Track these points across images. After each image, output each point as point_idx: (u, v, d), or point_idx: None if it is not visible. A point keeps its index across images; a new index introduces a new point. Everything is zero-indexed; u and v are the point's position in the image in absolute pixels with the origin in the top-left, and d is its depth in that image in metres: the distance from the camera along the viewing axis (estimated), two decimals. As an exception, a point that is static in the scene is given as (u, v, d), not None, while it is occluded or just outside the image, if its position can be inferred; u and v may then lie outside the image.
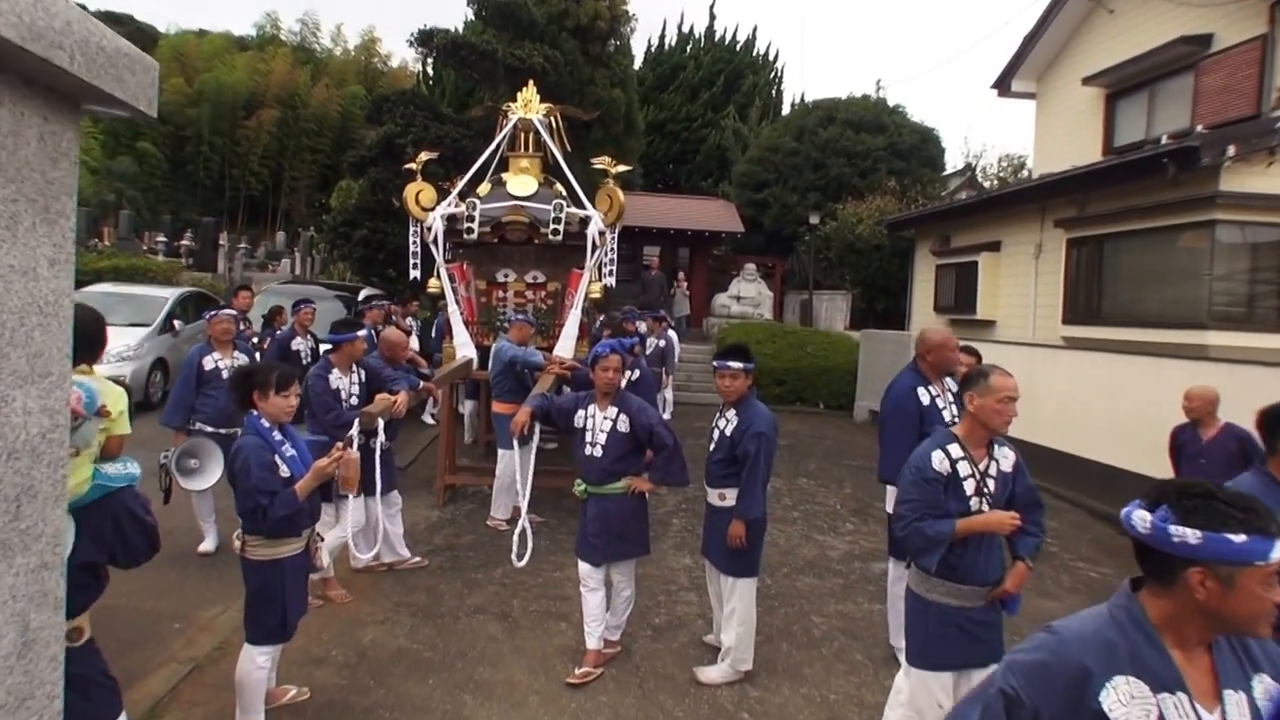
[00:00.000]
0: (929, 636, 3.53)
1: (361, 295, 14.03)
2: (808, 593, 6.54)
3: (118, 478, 2.81)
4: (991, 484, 3.48)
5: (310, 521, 3.98)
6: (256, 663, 3.93)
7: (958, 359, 5.21)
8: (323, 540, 4.15)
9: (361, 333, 5.95)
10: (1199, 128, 10.79)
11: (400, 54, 55.80)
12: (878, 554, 7.56)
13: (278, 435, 3.93)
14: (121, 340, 11.81)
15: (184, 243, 27.40)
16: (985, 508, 3.44)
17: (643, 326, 11.31)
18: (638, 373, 7.79)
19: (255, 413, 3.91)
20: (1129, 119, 14.15)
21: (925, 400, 4.91)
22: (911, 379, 5.04)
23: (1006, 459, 3.55)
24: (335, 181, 28.99)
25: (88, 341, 2.95)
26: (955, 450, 3.48)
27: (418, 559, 6.56)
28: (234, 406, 4.09)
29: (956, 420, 4.33)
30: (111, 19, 62.53)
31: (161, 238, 28.07)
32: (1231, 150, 9.30)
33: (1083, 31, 15.16)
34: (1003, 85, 16.89)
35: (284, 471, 3.84)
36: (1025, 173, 21.84)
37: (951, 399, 4.97)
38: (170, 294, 13.94)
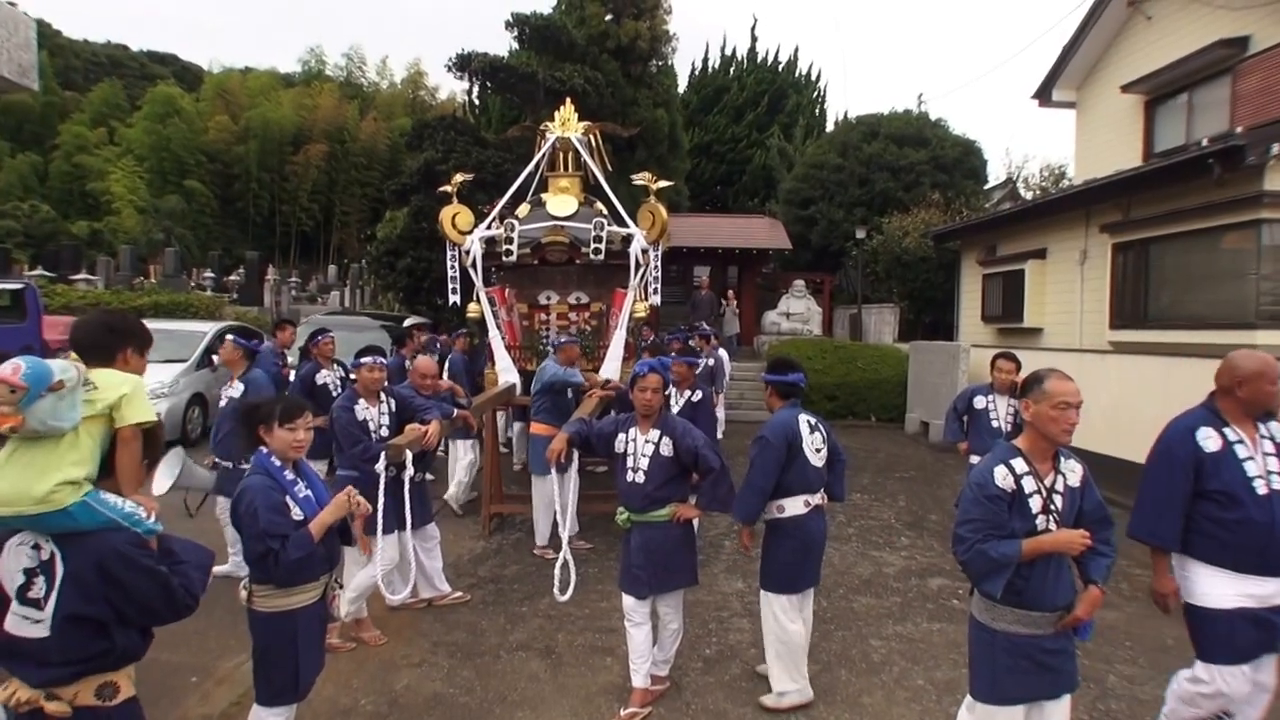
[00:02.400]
0: (997, 669, 3.25)
1: (406, 324, 14.00)
2: (864, 614, 6.23)
3: (112, 511, 2.49)
4: (1059, 500, 3.19)
5: (327, 567, 3.63)
6: None
7: (1276, 394, 3.74)
8: (341, 587, 3.84)
9: (368, 360, 5.58)
10: (1238, 130, 10.63)
11: (448, 86, 56.56)
12: (934, 569, 7.36)
13: (289, 474, 3.58)
14: (156, 376, 11.65)
15: (232, 278, 27.78)
16: (1053, 526, 3.16)
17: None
18: (699, 393, 7.40)
19: (264, 450, 3.58)
20: (1169, 124, 14.22)
21: (1212, 445, 3.68)
22: (1199, 417, 3.81)
23: (1074, 473, 3.26)
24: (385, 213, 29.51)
25: (91, 347, 2.86)
26: (1019, 465, 3.19)
27: (458, 594, 6.31)
28: (238, 441, 3.88)
29: (1271, 478, 3.65)
30: (156, 58, 64.79)
31: (209, 274, 28.48)
32: (1276, 149, 9.19)
33: (1121, 39, 15.21)
34: (1043, 95, 17.05)
35: (297, 514, 3.50)
36: (1066, 182, 21.57)
37: (1272, 448, 3.72)
38: (208, 329, 13.81)
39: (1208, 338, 9.92)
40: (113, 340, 2.84)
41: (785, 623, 4.64)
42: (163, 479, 3.58)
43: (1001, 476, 3.17)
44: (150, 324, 10.72)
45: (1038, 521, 3.15)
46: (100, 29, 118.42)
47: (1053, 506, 3.17)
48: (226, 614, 5.53)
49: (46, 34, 58.35)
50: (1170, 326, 10.75)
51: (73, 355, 2.77)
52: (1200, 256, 10.52)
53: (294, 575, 3.44)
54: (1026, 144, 66.41)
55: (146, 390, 2.79)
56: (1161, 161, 11.39)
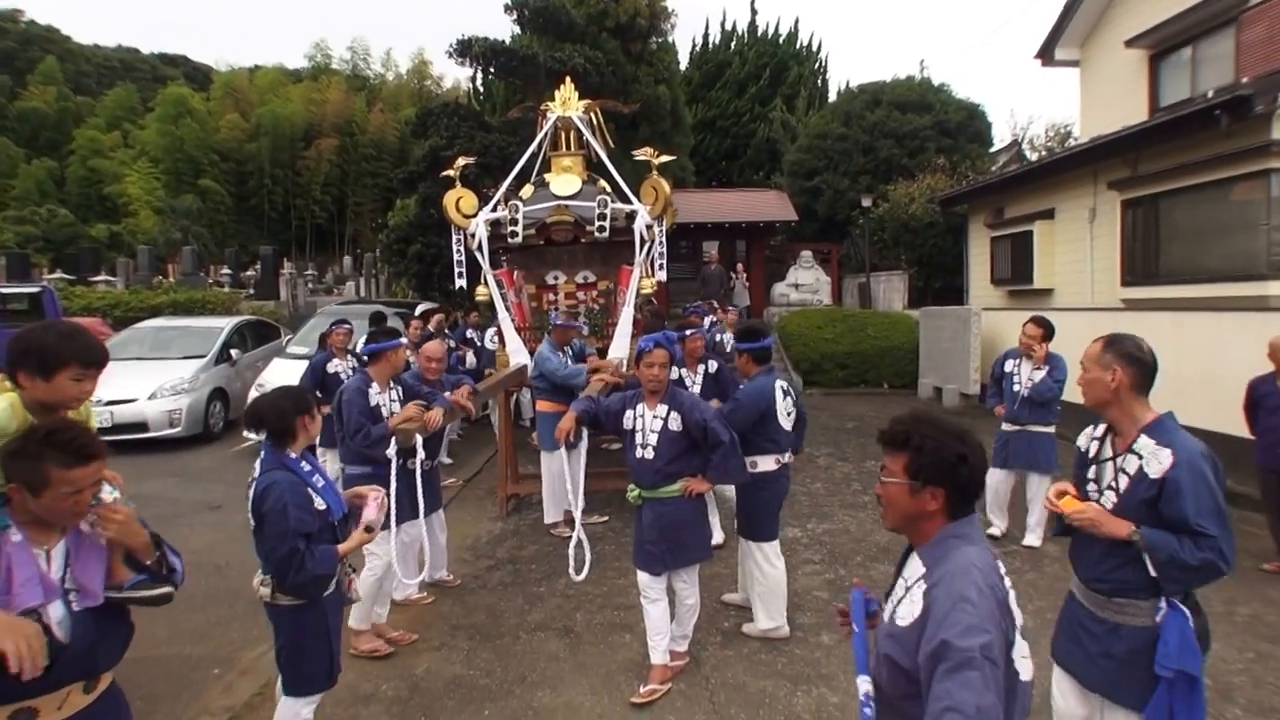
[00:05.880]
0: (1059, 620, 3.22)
1: (419, 310, 14.02)
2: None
3: None
4: (1124, 481, 2.87)
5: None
6: (302, 716, 3.58)
7: None
8: (355, 572, 3.76)
9: (403, 341, 5.50)
10: (1244, 80, 10.62)
11: (452, 75, 56.98)
12: (952, 533, 7.32)
13: (305, 465, 3.47)
14: (175, 373, 11.87)
15: (248, 274, 27.99)
16: (1105, 502, 2.91)
17: (707, 321, 10.90)
18: (714, 364, 7.12)
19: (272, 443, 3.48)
20: (1173, 78, 14.08)
21: None
22: None
23: (1153, 460, 2.81)
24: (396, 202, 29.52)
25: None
26: (1100, 429, 3.07)
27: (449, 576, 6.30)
28: None
29: None
30: (167, 60, 65.43)
31: (226, 270, 28.90)
32: None
33: None
34: (1046, 54, 16.91)
35: (319, 504, 3.39)
36: (1072, 141, 21.45)
37: None
38: (226, 324, 13.83)
39: (1220, 291, 9.93)
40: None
41: (770, 568, 5.16)
42: None
43: (1085, 436, 3.13)
44: (167, 322, 10.83)
45: (1088, 488, 3.00)
46: (110, 34, 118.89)
47: (1111, 484, 2.92)
48: (249, 606, 5.46)
49: (56, 40, 60.20)
50: (1182, 281, 10.70)
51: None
52: (1210, 209, 10.44)
53: (306, 590, 3.37)
54: (1031, 105, 66.64)
55: None
56: (1168, 115, 11.25)
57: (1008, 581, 2.01)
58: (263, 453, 3.48)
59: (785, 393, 5.28)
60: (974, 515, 2.11)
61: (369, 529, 3.56)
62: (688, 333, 6.97)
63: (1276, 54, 11.44)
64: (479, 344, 11.58)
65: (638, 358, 4.62)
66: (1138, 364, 2.87)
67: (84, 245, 33.39)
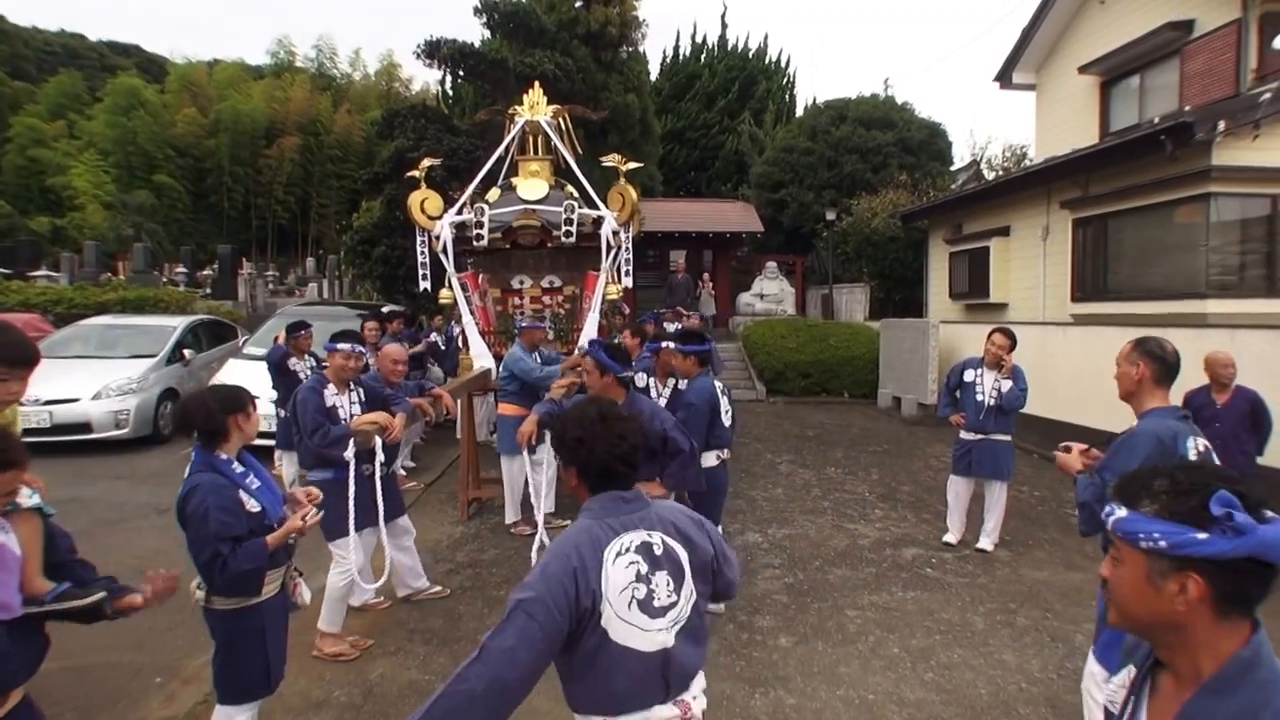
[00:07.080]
0: None
1: (383, 311, 13.92)
2: (840, 585, 6.38)
3: None
4: None
5: (285, 558, 3.45)
6: None
7: None
8: (301, 575, 3.65)
9: (343, 346, 5.20)
10: (1187, 109, 11.30)
11: (421, 78, 55.88)
12: (908, 539, 7.56)
13: (238, 467, 3.36)
14: (123, 372, 11.43)
15: (205, 273, 27.29)
16: None
17: (670, 329, 10.84)
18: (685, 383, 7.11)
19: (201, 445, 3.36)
20: (1122, 104, 14.99)
21: None
22: None
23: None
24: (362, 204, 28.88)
25: None
26: None
27: (437, 588, 6.10)
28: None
29: None
30: (118, 49, 62.43)
31: (181, 269, 27.90)
32: (1222, 125, 9.72)
33: (1076, 22, 15.85)
34: (1004, 78, 17.64)
35: (252, 506, 3.27)
36: (1027, 161, 22.20)
37: None
38: (179, 323, 13.42)
39: (1162, 308, 10.47)
40: None
41: None
42: None
43: None
44: (115, 320, 10.38)
45: None
46: (52, 18, 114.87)
47: None
48: (195, 612, 5.20)
49: (-13, 20, 54.17)
50: (1127, 298, 11.28)
51: None
52: (1154, 230, 11.01)
53: (236, 587, 3.26)
54: (989, 126, 69.06)
55: None
56: (1117, 139, 11.86)
57: (616, 556, 2.23)
58: (194, 454, 3.38)
59: (723, 392, 5.68)
60: (611, 493, 2.35)
61: (303, 519, 3.43)
62: (663, 345, 6.64)
63: (1216, 85, 12.13)
64: (441, 346, 11.57)
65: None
66: (1158, 360, 3.42)
67: (22, 238, 31.15)
